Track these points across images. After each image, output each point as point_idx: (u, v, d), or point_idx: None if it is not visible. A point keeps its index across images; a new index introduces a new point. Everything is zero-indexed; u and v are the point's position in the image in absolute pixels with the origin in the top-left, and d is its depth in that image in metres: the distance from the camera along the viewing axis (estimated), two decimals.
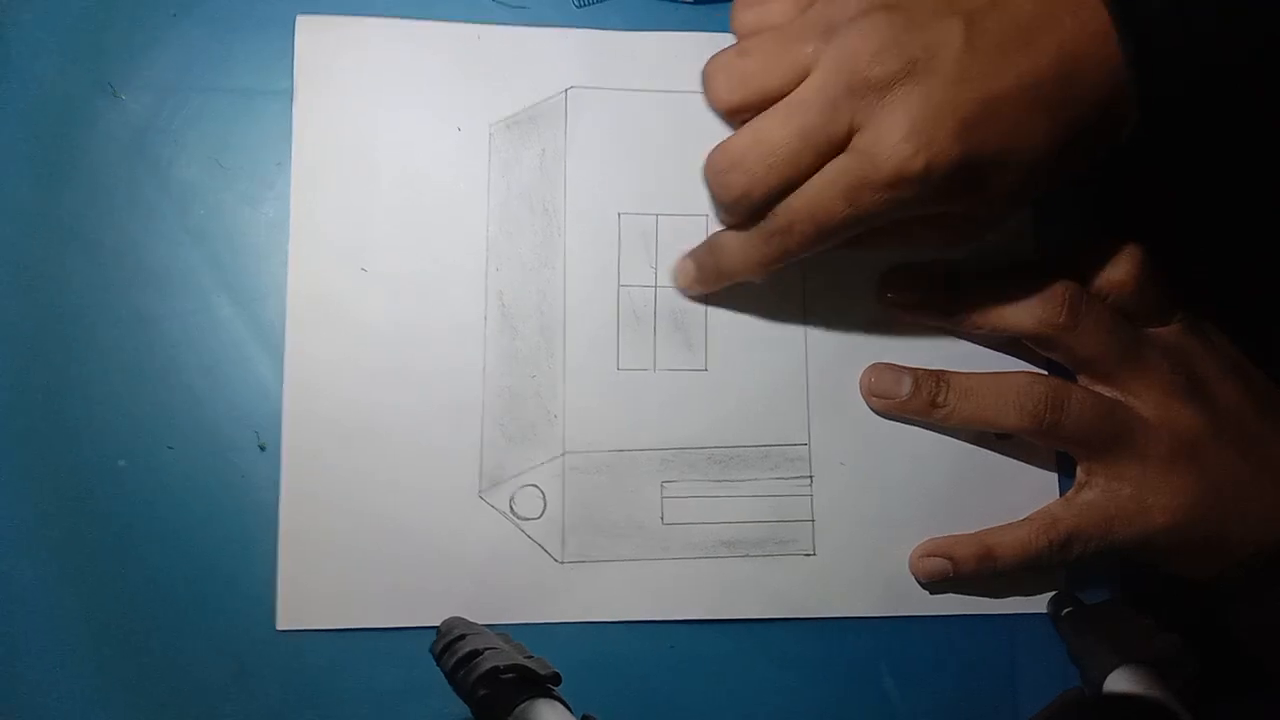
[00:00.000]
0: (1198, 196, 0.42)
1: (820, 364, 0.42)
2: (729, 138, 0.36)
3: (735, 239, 0.37)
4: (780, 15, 0.36)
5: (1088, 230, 0.41)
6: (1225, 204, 0.42)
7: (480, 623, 0.36)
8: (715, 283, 0.40)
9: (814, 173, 0.34)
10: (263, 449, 0.39)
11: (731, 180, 0.35)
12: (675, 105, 0.42)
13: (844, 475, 0.41)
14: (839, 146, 0.34)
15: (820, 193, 0.34)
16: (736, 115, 0.36)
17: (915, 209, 0.34)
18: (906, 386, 0.40)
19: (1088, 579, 0.41)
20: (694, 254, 0.40)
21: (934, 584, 0.41)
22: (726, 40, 0.43)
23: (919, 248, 0.39)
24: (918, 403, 0.40)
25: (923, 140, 0.32)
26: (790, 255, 0.36)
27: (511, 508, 0.39)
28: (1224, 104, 0.34)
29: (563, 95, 0.42)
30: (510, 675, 0.32)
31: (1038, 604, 0.41)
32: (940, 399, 0.40)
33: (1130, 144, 0.35)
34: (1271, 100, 0.35)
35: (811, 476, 0.41)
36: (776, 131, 0.34)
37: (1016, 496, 0.41)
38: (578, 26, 0.43)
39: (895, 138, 0.33)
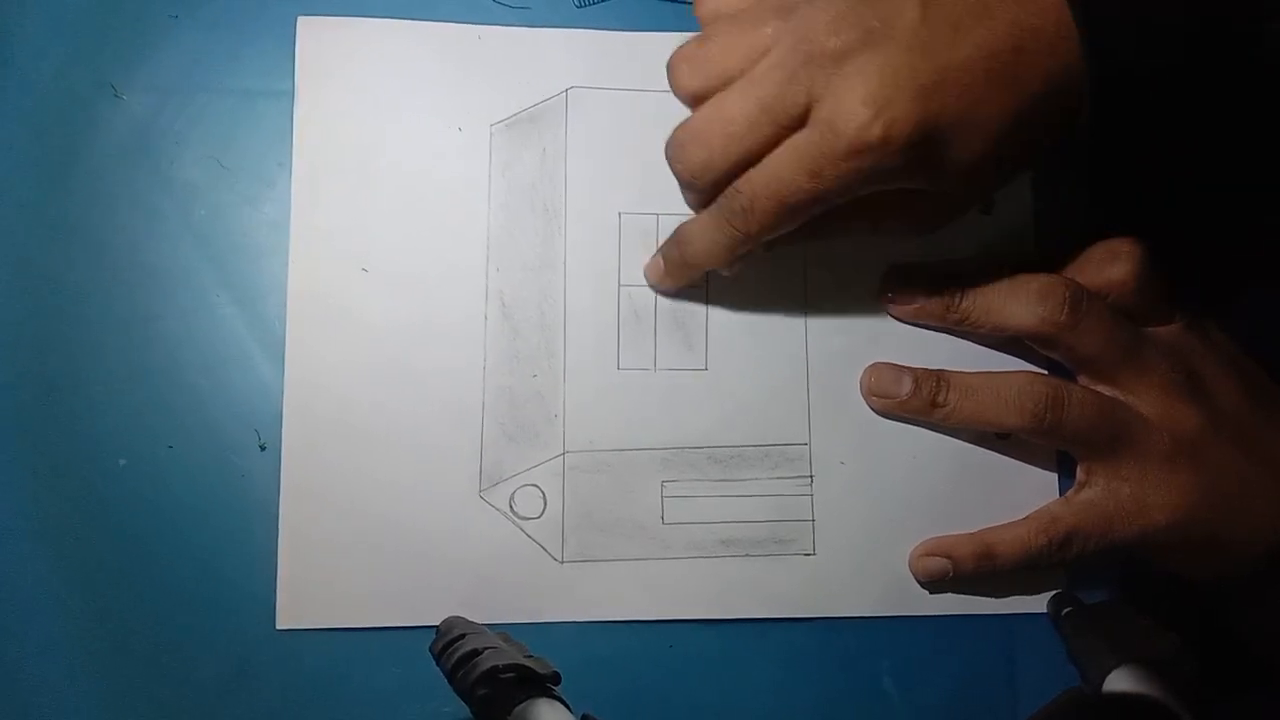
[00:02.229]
0: (1198, 194, 0.42)
1: (820, 363, 0.42)
2: (690, 115, 0.36)
3: (699, 225, 0.38)
4: (740, 1, 0.36)
5: (1087, 230, 0.41)
6: (1224, 202, 0.42)
7: (480, 622, 0.36)
8: (682, 274, 0.40)
9: (774, 148, 0.34)
10: (263, 448, 0.39)
11: (690, 153, 0.35)
12: (675, 105, 0.42)
13: (844, 475, 0.41)
14: (799, 120, 0.34)
15: (781, 167, 0.34)
16: (700, 102, 0.36)
17: (876, 182, 0.34)
18: (907, 386, 0.40)
19: (1088, 579, 0.41)
20: (661, 248, 0.40)
21: (934, 583, 0.40)
22: None
23: (885, 233, 0.39)
24: (918, 402, 0.40)
25: (880, 106, 0.32)
26: (753, 237, 0.36)
27: (512, 507, 0.39)
28: (1181, 88, 0.34)
29: (563, 95, 0.42)
30: (510, 674, 0.32)
31: (1038, 604, 0.41)
32: (940, 398, 0.40)
33: (1102, 135, 0.35)
34: (1230, 83, 0.35)
35: (812, 476, 0.41)
36: (735, 104, 0.34)
37: (1016, 496, 0.41)
38: (578, 27, 0.43)
39: (853, 105, 0.32)
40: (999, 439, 0.42)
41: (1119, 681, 0.34)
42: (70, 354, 0.39)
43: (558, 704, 0.32)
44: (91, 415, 0.38)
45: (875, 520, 0.41)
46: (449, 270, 0.41)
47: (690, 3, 0.43)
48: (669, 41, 0.42)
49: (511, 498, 0.39)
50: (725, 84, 0.35)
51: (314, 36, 0.41)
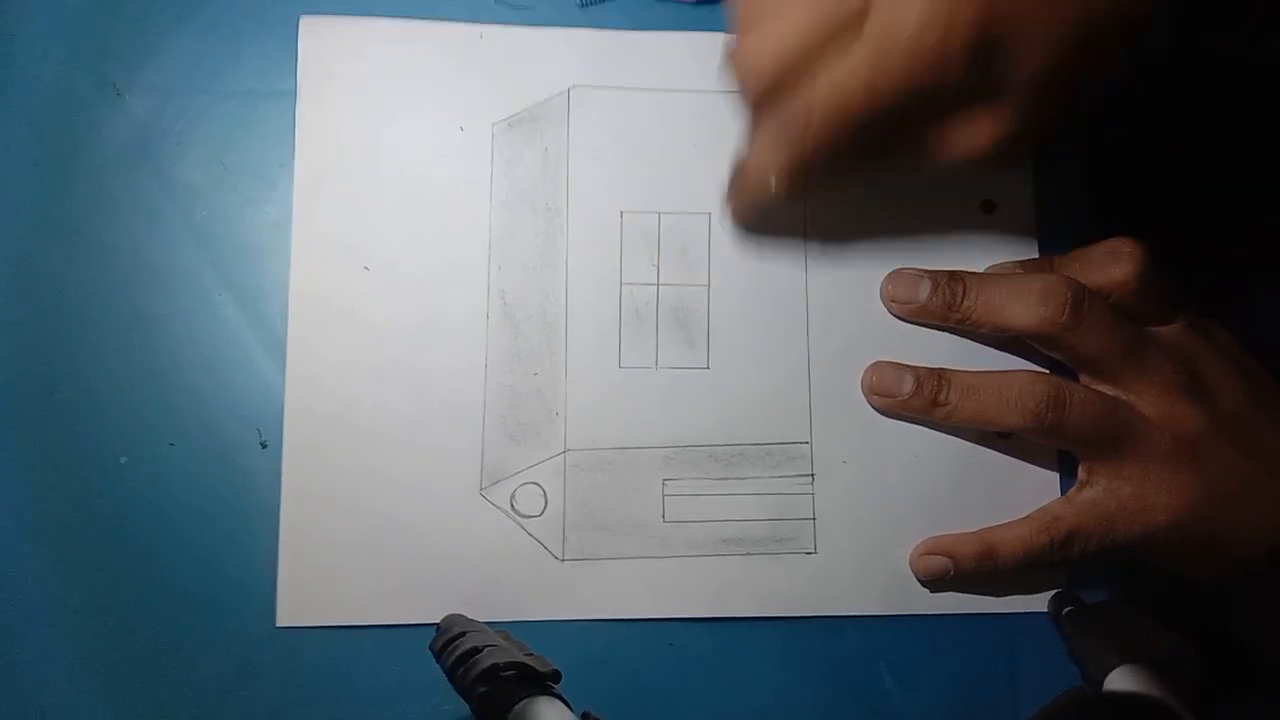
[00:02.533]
0: (1199, 194, 0.41)
1: (822, 362, 0.41)
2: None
3: (758, 144, 0.36)
4: None
5: (1088, 230, 0.41)
6: (1224, 201, 0.42)
7: (480, 620, 0.36)
8: (744, 202, 0.39)
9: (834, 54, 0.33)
10: (264, 447, 0.39)
11: (747, 50, 0.34)
12: (677, 104, 0.42)
13: (845, 474, 0.41)
14: (859, 18, 0.32)
15: (839, 71, 0.33)
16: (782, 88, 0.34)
17: (937, 89, 0.33)
18: (908, 385, 0.40)
19: (1088, 578, 0.41)
20: (726, 185, 0.40)
21: (934, 582, 0.40)
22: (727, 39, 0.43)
23: (951, 168, 0.36)
24: (919, 401, 0.40)
25: (939, 4, 0.31)
26: (809, 152, 0.35)
27: (513, 505, 0.39)
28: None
29: (565, 94, 0.42)
30: (510, 672, 0.32)
31: (1038, 603, 0.41)
32: (942, 397, 0.40)
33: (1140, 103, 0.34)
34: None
35: (813, 475, 0.41)
36: (798, 6, 0.33)
37: (1018, 495, 0.41)
38: (580, 26, 0.43)
39: (912, 2, 0.31)
40: (1000, 438, 0.41)
41: (1119, 681, 0.34)
42: (71, 354, 0.39)
43: (558, 702, 0.32)
44: (92, 415, 0.38)
45: (876, 519, 0.41)
46: (451, 269, 0.41)
47: (693, 2, 0.43)
48: (671, 41, 0.43)
49: (512, 496, 0.39)
50: (806, 50, 0.33)
51: (316, 36, 0.41)
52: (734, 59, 0.35)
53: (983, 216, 0.42)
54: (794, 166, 0.36)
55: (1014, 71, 0.33)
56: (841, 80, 0.33)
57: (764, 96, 0.35)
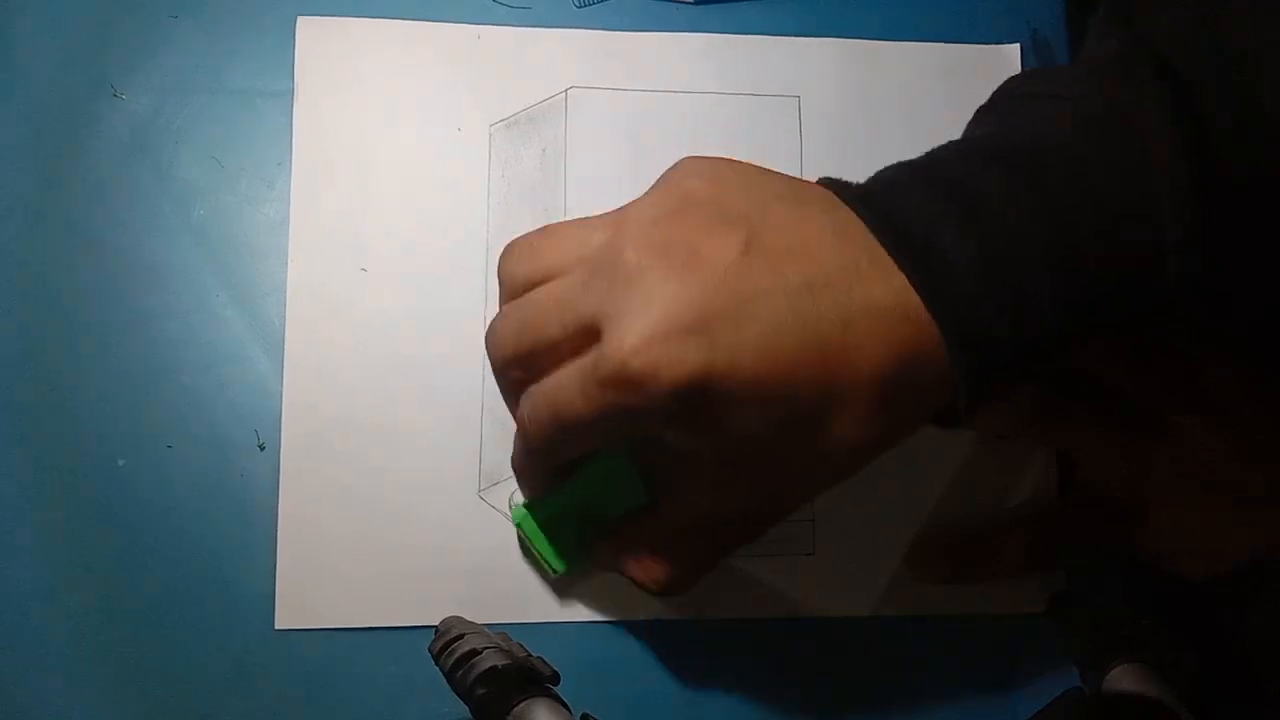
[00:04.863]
0: None
1: None
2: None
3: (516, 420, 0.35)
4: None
5: None
6: None
7: (479, 622, 0.36)
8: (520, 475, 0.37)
9: (572, 356, 0.31)
10: (262, 448, 0.39)
11: (493, 338, 0.34)
12: (675, 105, 0.42)
13: None
14: (589, 330, 0.30)
15: (563, 378, 0.31)
16: (524, 292, 0.33)
17: (650, 424, 0.30)
18: None
19: (1088, 579, 0.41)
20: None
21: (933, 584, 0.40)
22: (727, 40, 0.43)
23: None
24: None
25: (652, 340, 0.28)
26: (536, 453, 0.34)
27: (511, 507, 0.39)
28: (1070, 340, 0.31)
29: (563, 95, 0.42)
30: (509, 674, 0.32)
31: (1038, 604, 0.41)
32: None
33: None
34: None
35: None
36: (538, 296, 0.32)
37: (1017, 497, 0.41)
38: (578, 27, 0.43)
39: (626, 332, 0.29)
40: (999, 439, 0.42)
41: (1119, 681, 0.34)
42: (69, 354, 0.39)
43: (557, 704, 0.32)
44: (90, 415, 0.38)
45: (875, 520, 0.41)
46: (449, 270, 0.41)
47: (691, 3, 0.43)
48: (669, 42, 0.43)
49: (511, 498, 0.39)
50: (546, 279, 0.33)
51: (313, 36, 0.41)
52: (489, 329, 0.34)
53: None
54: (526, 457, 0.36)
55: (738, 426, 0.30)
56: (562, 384, 0.31)
57: (503, 379, 0.34)
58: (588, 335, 0.30)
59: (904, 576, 0.41)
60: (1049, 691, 0.38)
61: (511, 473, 0.39)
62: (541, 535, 0.37)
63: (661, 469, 0.36)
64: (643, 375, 0.28)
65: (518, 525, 0.38)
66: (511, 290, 0.34)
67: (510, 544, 0.39)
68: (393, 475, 0.39)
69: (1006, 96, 0.33)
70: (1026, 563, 0.39)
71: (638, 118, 0.42)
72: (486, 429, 0.40)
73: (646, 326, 0.28)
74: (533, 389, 0.33)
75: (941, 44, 0.44)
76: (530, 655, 0.34)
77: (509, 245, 0.34)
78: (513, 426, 0.40)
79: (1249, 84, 0.29)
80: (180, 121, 0.40)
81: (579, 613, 0.39)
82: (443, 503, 0.39)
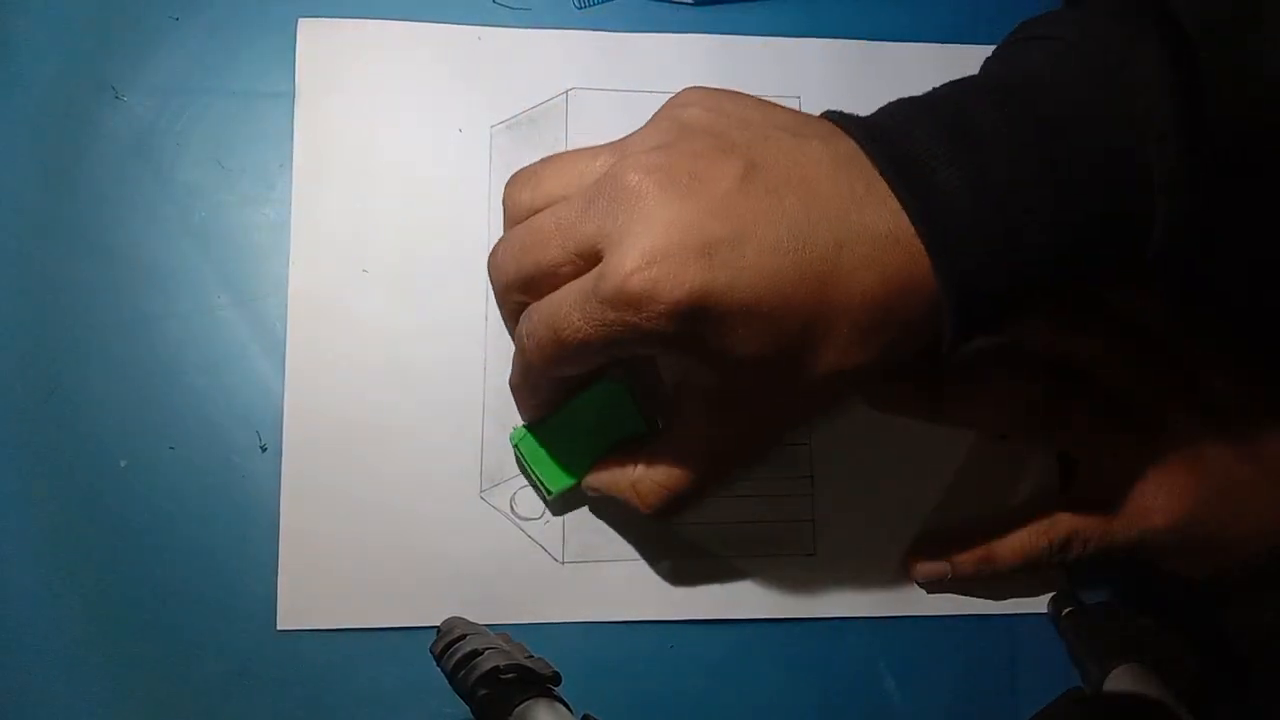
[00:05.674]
0: None
1: None
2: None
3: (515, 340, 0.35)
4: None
5: None
6: None
7: (481, 623, 0.36)
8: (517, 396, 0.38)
9: (572, 277, 0.32)
10: (264, 449, 0.39)
11: (495, 261, 0.34)
12: None
13: (844, 475, 0.41)
14: (591, 252, 0.31)
15: (563, 297, 0.32)
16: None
17: (650, 345, 0.31)
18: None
19: (1088, 579, 0.41)
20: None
21: (933, 585, 0.41)
22: (726, 41, 0.43)
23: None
24: (919, 403, 0.40)
25: (652, 261, 0.29)
26: (534, 369, 0.34)
27: (512, 508, 0.39)
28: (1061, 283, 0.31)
29: (563, 97, 0.42)
30: (510, 675, 0.32)
31: (1038, 604, 0.41)
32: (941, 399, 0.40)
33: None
34: None
35: (812, 476, 0.41)
36: (540, 221, 0.33)
37: (1016, 497, 0.41)
38: (578, 28, 0.43)
39: (627, 252, 0.29)
40: (999, 439, 0.42)
41: (1119, 681, 0.34)
42: (70, 355, 0.39)
43: (558, 704, 0.32)
44: (92, 416, 0.38)
45: (875, 521, 0.41)
46: (449, 271, 0.41)
47: (691, 4, 0.43)
48: (669, 42, 0.43)
49: (512, 498, 0.39)
50: (548, 205, 0.33)
51: (314, 38, 0.41)
52: (490, 253, 0.35)
53: None
54: (525, 374, 0.36)
55: (736, 346, 0.31)
56: (562, 304, 0.31)
57: (505, 301, 0.35)
58: (588, 258, 0.31)
59: (903, 578, 0.41)
60: (1049, 691, 0.38)
61: (511, 474, 0.39)
62: (541, 453, 0.38)
63: (660, 396, 0.36)
64: (642, 294, 0.29)
65: (515, 445, 0.38)
66: (514, 216, 0.35)
67: (511, 544, 0.39)
68: (394, 476, 0.39)
69: (1013, 39, 0.34)
70: (1026, 563, 0.39)
71: (638, 118, 0.42)
72: (488, 430, 0.40)
73: (647, 247, 0.29)
74: (532, 308, 0.33)
75: (941, 44, 0.44)
76: (531, 656, 0.34)
77: (513, 175, 0.35)
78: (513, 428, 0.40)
79: (1248, 38, 0.29)
80: (181, 123, 0.40)
81: (580, 613, 0.39)
82: (444, 504, 0.39)
